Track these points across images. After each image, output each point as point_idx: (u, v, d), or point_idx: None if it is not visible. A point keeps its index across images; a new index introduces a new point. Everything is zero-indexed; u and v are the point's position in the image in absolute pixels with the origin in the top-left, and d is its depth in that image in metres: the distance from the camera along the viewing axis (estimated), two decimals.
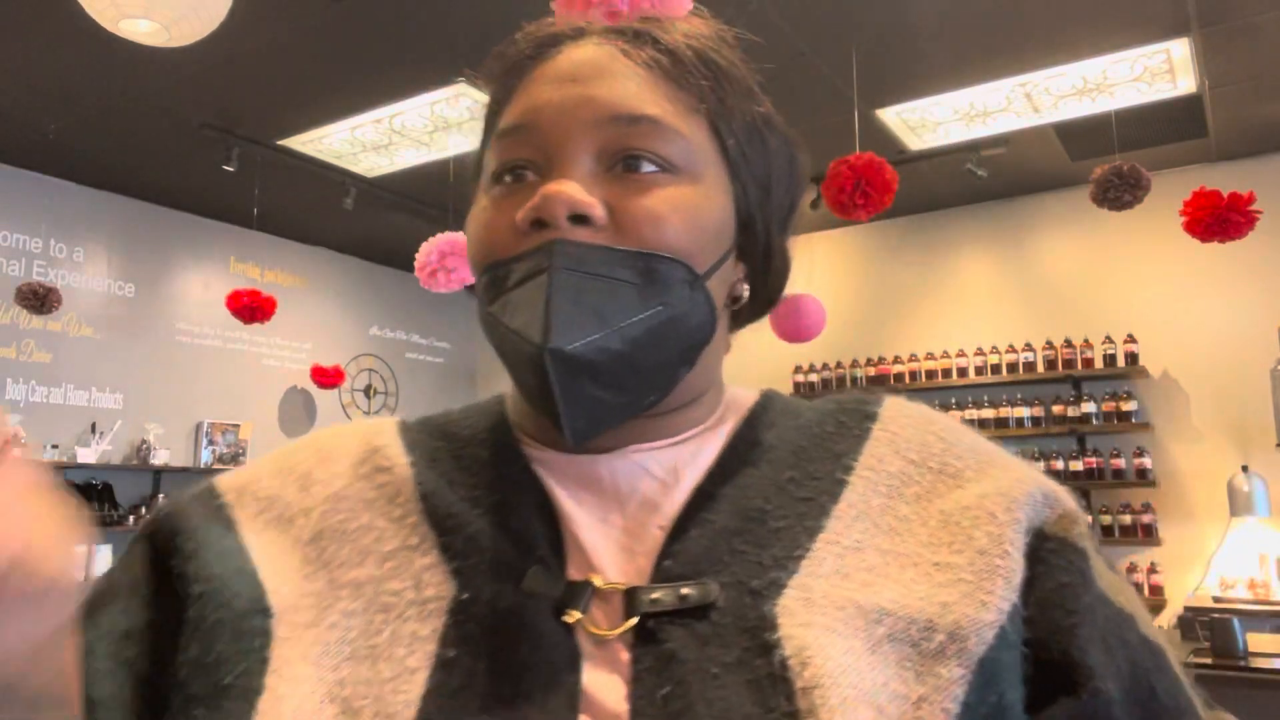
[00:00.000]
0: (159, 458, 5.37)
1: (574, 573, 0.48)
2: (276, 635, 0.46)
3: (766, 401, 0.59)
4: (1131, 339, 5.01)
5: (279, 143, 4.68)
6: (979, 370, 5.36)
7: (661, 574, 0.47)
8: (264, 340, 6.17)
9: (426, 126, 4.48)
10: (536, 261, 0.48)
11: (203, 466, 5.68)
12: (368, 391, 6.93)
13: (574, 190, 0.48)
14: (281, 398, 6.31)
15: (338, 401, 6.68)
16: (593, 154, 0.50)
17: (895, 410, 0.56)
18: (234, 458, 5.85)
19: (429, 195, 5.37)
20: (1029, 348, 5.27)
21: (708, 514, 0.50)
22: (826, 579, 0.47)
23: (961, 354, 5.43)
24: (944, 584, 0.46)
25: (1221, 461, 4.74)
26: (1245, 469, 4.57)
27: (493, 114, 0.57)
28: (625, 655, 0.45)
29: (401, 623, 0.47)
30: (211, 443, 5.76)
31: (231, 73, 3.94)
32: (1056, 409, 5.12)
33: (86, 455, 5.07)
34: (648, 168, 0.50)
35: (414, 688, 0.44)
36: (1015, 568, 0.46)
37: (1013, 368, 5.27)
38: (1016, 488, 0.50)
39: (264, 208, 5.46)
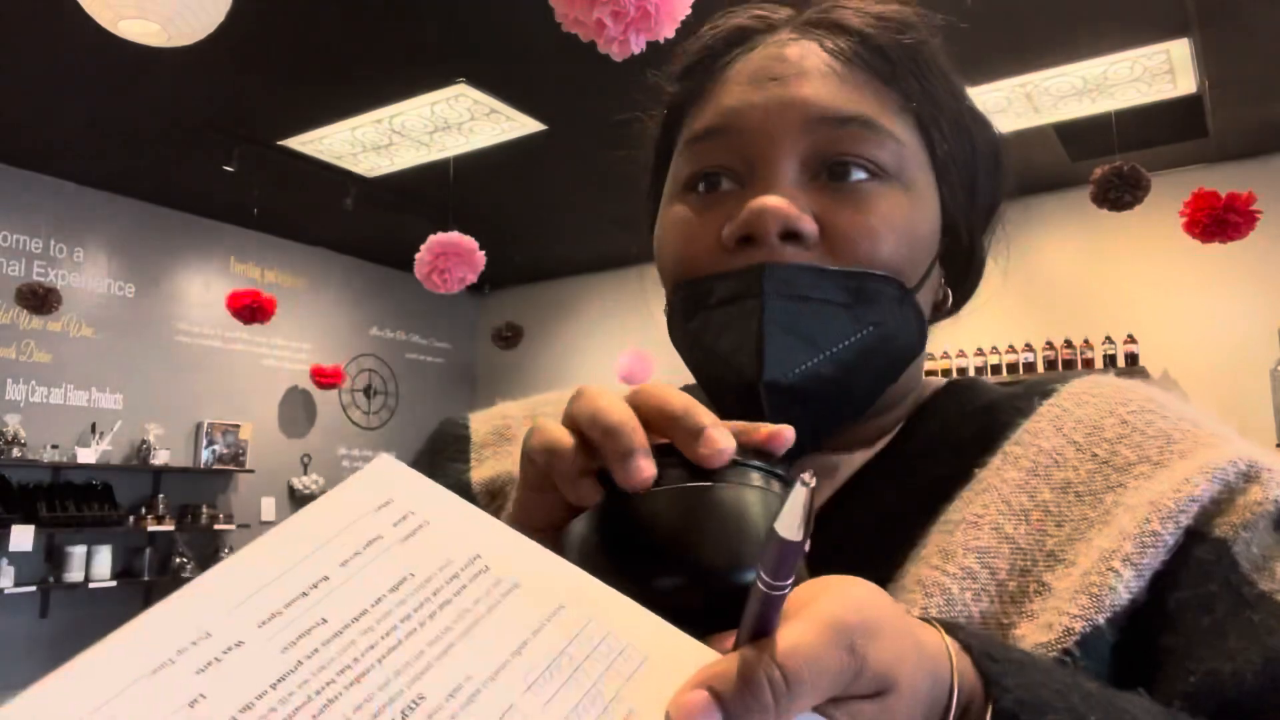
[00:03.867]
0: (159, 458, 5.36)
1: None
2: None
3: (943, 393, 0.57)
4: (1131, 339, 5.00)
5: (279, 143, 4.67)
6: (979, 371, 5.35)
7: None
8: (264, 340, 6.16)
9: (426, 126, 4.48)
10: (745, 284, 0.45)
11: (203, 467, 5.67)
12: (368, 392, 6.93)
13: (785, 205, 0.45)
14: (281, 398, 6.30)
15: (338, 401, 6.68)
16: (798, 160, 0.47)
17: (1080, 387, 0.52)
18: (234, 458, 5.85)
19: (429, 195, 5.36)
20: (1029, 348, 5.27)
21: (835, 519, 0.49)
22: (925, 561, 0.44)
23: (961, 354, 5.42)
24: (1044, 603, 0.41)
25: None
26: None
27: (674, 115, 0.54)
28: None
29: None
30: (211, 443, 5.76)
31: (231, 73, 3.94)
32: None
33: (86, 455, 5.06)
34: (858, 174, 0.47)
35: None
36: (1115, 584, 0.41)
37: (1013, 368, 5.27)
38: (1190, 482, 0.43)
39: (264, 208, 5.45)
